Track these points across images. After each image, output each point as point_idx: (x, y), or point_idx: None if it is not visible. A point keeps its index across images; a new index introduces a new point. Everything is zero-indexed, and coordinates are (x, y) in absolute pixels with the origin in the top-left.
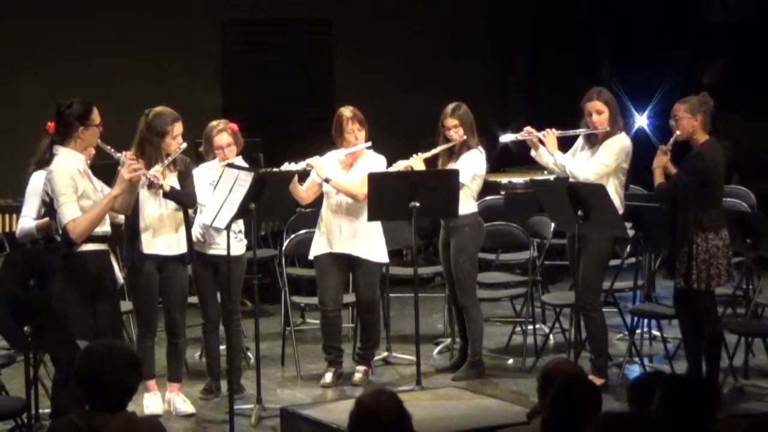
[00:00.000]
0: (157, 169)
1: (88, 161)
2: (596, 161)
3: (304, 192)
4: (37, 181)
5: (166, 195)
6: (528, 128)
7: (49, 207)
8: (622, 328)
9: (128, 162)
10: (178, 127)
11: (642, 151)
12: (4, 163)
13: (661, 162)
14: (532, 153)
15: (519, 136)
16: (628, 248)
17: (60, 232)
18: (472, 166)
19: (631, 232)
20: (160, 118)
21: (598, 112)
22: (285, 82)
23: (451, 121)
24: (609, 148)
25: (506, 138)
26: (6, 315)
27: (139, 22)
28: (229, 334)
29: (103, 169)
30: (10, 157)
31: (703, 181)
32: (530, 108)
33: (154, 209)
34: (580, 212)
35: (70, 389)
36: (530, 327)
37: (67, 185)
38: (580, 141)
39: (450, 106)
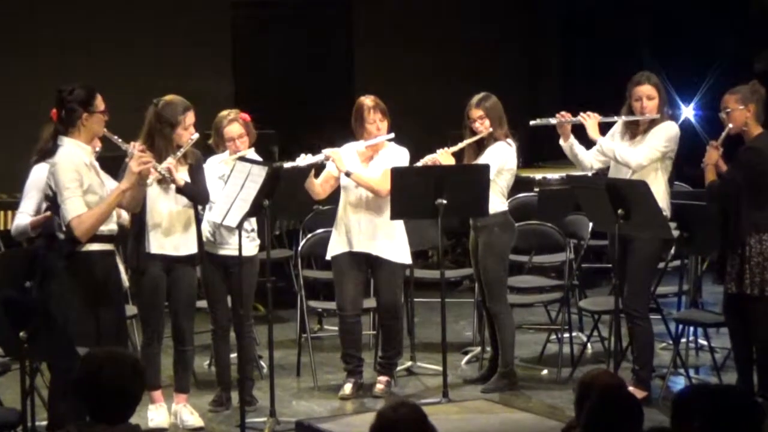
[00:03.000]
0: (170, 162)
1: (95, 153)
2: (648, 146)
3: (319, 186)
4: (38, 173)
5: (179, 190)
6: (563, 113)
7: (52, 202)
8: (666, 337)
9: (137, 153)
10: (190, 117)
11: (688, 145)
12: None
13: (713, 158)
14: (561, 143)
15: (553, 120)
16: (673, 250)
17: (63, 229)
18: (497, 160)
19: (675, 233)
20: (170, 108)
21: (649, 97)
22: (301, 69)
23: (476, 113)
24: (659, 133)
25: (538, 122)
26: (1, 319)
27: (143, 4)
28: (240, 342)
29: (110, 162)
30: (5, 150)
31: (757, 178)
32: (563, 97)
33: (164, 206)
34: (620, 211)
35: (69, 399)
36: (566, 335)
37: (72, 179)
38: (616, 131)
39: (476, 97)
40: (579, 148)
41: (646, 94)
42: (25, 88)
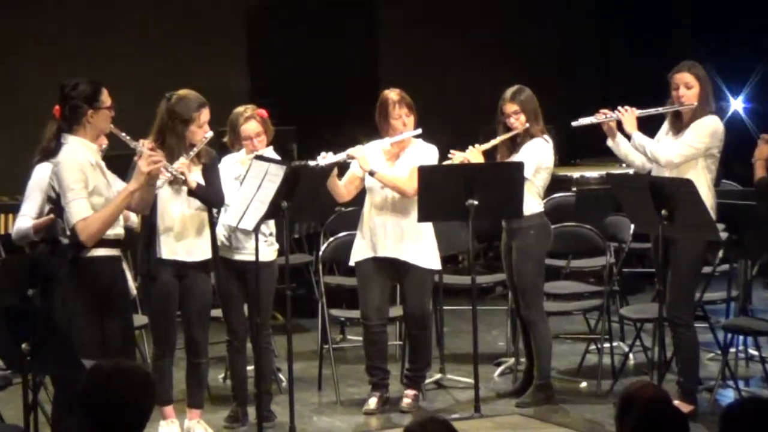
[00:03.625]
0: (182, 162)
1: (101, 152)
2: (682, 142)
3: (343, 187)
4: (41, 173)
5: (191, 193)
6: (603, 111)
7: (55, 204)
8: (713, 347)
9: (147, 152)
10: (204, 114)
11: (737, 140)
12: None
13: (763, 153)
14: (609, 143)
15: (593, 119)
16: (721, 253)
17: (67, 233)
18: (534, 158)
19: (723, 235)
20: (184, 103)
21: (687, 85)
22: (321, 61)
23: (510, 107)
24: (697, 129)
25: (580, 123)
26: (1, 330)
27: None
28: (257, 353)
29: (117, 161)
30: (6, 150)
31: None
32: (601, 90)
33: (176, 208)
34: (664, 211)
35: (74, 415)
36: (606, 345)
37: (77, 179)
38: (665, 126)
39: (509, 91)
40: (627, 147)
41: (684, 81)
42: (26, 83)
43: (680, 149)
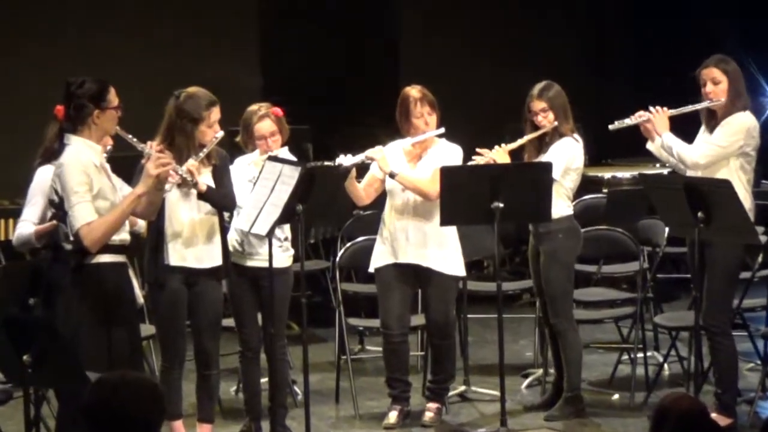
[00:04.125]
0: (191, 163)
1: (105, 153)
2: (709, 142)
3: (362, 190)
4: (43, 176)
5: (201, 196)
6: (641, 112)
7: (58, 208)
8: (753, 356)
9: (155, 154)
10: (215, 113)
11: None
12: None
13: None
14: (648, 145)
15: (629, 121)
16: (760, 258)
17: (70, 238)
18: (563, 157)
19: (763, 238)
20: (193, 101)
21: (714, 81)
22: (338, 56)
23: (538, 104)
24: (725, 127)
25: (616, 125)
26: (1, 341)
27: None
28: (272, 365)
29: (122, 162)
30: (6, 152)
31: None
32: (638, 86)
33: (184, 212)
34: (700, 213)
35: (78, 430)
36: (640, 354)
37: (81, 182)
38: (702, 127)
39: (537, 87)
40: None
41: (711, 77)
42: (26, 83)
43: (706, 149)
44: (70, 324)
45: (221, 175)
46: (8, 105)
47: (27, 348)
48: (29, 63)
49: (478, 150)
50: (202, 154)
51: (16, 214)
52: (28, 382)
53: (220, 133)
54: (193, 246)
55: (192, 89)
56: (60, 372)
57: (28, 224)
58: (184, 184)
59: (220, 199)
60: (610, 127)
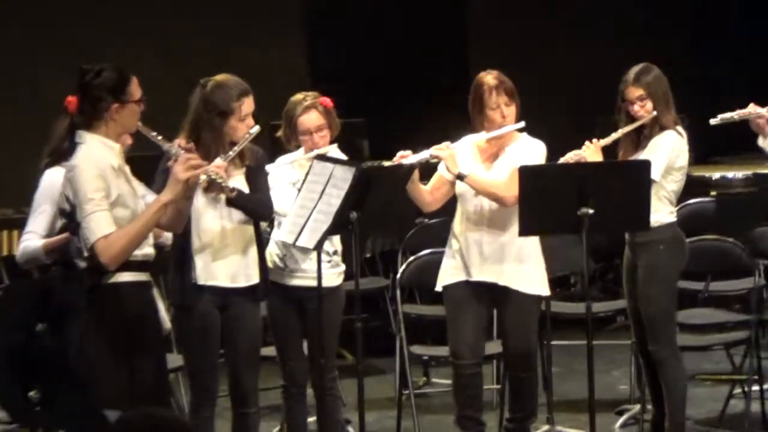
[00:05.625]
0: (218, 164)
1: (124, 153)
2: None
3: (428, 194)
4: (51, 180)
5: (230, 202)
6: (753, 105)
7: (69, 218)
8: None
9: (185, 155)
10: (247, 104)
11: None
12: (2, 162)
13: None
14: (759, 141)
15: (737, 116)
16: None
17: (85, 254)
18: (664, 155)
19: None
20: (222, 91)
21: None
22: (398, 38)
23: (634, 92)
24: None
25: (719, 119)
26: (5, 374)
27: None
28: (321, 402)
29: (141, 163)
30: (10, 153)
31: None
32: (749, 71)
33: (213, 221)
34: None
35: None
36: (755, 387)
37: (97, 187)
38: None
39: (633, 70)
40: None
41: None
42: (36, 68)
43: None
44: (84, 354)
45: (256, 177)
46: (9, 104)
47: (34, 382)
48: (35, 58)
49: (587, 144)
50: (232, 153)
51: (20, 224)
52: (36, 421)
53: (255, 129)
54: (224, 261)
55: (221, 77)
56: (73, 410)
57: (34, 237)
58: (212, 188)
59: (254, 205)
60: (712, 121)
